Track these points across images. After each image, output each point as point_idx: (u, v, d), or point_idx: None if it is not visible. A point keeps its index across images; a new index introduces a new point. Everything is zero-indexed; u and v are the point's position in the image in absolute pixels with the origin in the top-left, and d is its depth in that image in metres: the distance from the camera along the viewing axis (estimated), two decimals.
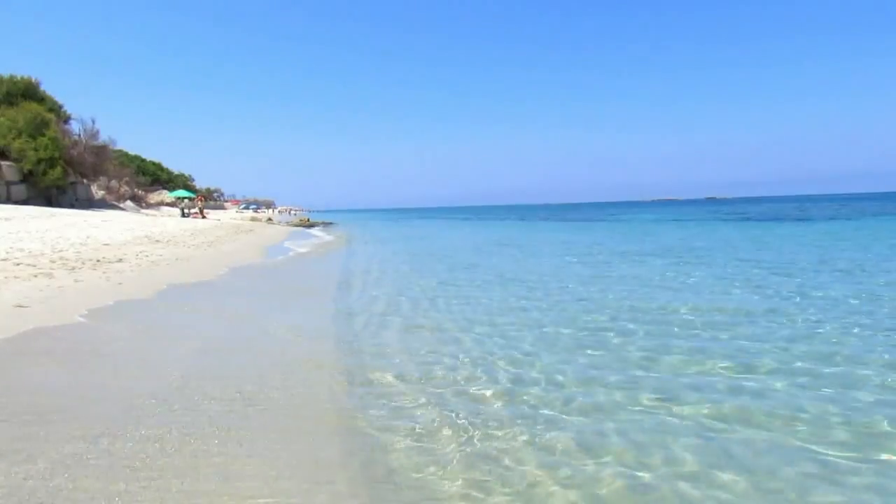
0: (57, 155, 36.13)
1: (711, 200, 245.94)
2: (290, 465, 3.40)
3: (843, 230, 26.83)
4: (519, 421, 4.24)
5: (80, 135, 43.28)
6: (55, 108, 41.53)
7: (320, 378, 5.24)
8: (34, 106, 37.56)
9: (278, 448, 3.62)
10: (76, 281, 9.54)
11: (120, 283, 9.85)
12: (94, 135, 44.10)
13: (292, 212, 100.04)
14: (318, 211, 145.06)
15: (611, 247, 20.94)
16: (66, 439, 3.48)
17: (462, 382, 5.16)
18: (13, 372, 4.78)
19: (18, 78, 40.55)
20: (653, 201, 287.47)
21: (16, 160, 34.53)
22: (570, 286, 11.02)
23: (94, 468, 3.15)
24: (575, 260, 16.33)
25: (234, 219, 52.06)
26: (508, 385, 5.05)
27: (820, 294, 9.35)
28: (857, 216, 41.36)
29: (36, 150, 34.84)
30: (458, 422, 4.21)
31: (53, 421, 3.76)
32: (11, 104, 37.63)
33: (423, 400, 4.69)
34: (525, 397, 4.76)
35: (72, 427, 3.67)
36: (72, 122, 43.93)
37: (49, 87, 46.25)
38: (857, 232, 25.10)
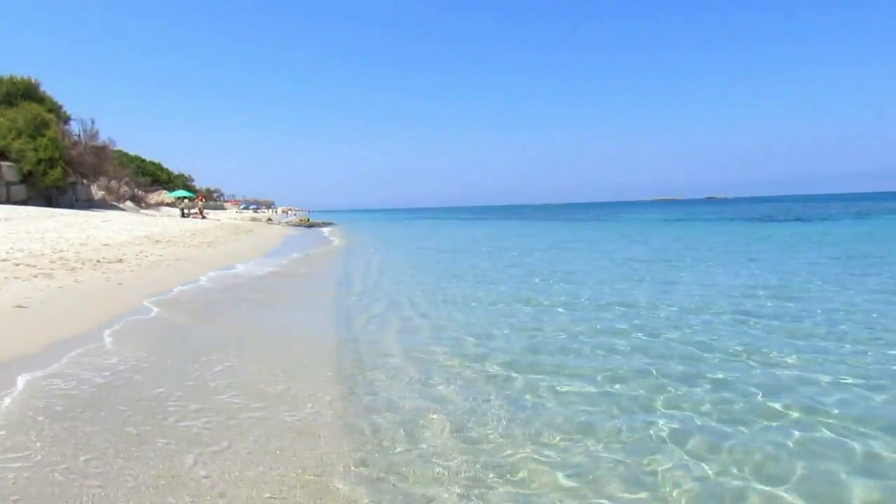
0: (57, 155, 36.15)
1: (711, 200, 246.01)
2: None
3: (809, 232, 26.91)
4: None
5: (79, 135, 43.30)
6: (55, 109, 41.53)
7: None
8: (34, 106, 37.58)
9: None
10: (76, 281, 9.57)
11: (120, 284, 9.89)
12: (94, 135, 44.12)
13: (291, 212, 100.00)
14: (318, 211, 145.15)
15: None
16: None
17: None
18: None
19: (18, 78, 40.55)
20: (653, 201, 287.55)
21: (16, 160, 34.55)
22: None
23: None
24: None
25: (234, 219, 52.05)
26: None
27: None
28: (824, 217, 41.45)
29: (36, 150, 34.86)
30: None
31: None
32: (11, 105, 37.65)
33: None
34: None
35: None
36: (71, 122, 43.99)
37: (49, 88, 46.36)
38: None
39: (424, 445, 3.84)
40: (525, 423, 4.24)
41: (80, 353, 5.78)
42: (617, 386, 5.06)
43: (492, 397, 4.79)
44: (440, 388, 5.05)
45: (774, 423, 4.21)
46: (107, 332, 6.71)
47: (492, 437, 3.99)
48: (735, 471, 3.49)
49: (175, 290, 10.12)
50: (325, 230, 41.80)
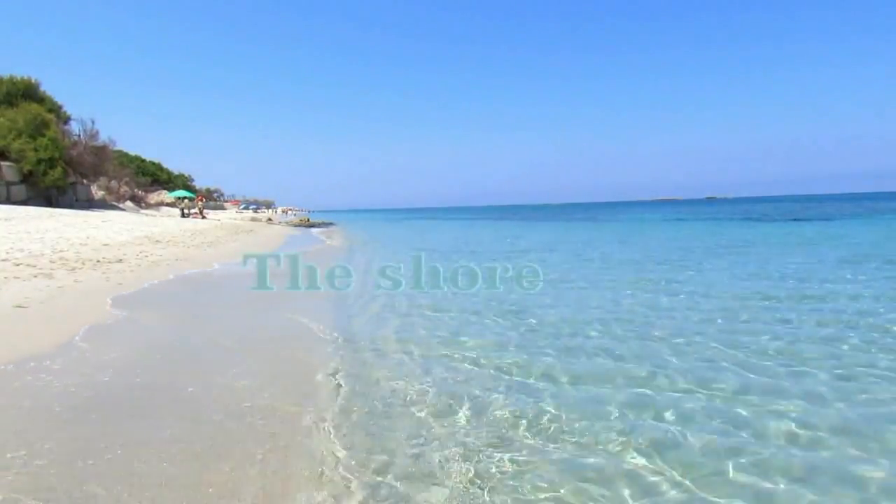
0: (57, 155, 36.15)
1: (711, 200, 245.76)
2: None
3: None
4: None
5: (79, 135, 43.26)
6: (55, 109, 41.51)
7: None
8: (34, 106, 37.55)
9: None
10: (76, 281, 9.60)
11: (120, 283, 9.91)
12: (94, 135, 44.08)
13: (291, 212, 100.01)
14: (318, 211, 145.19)
15: None
16: None
17: None
18: None
19: (18, 78, 40.51)
20: (653, 201, 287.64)
21: (16, 161, 34.56)
22: None
23: None
24: None
25: (234, 219, 52.05)
26: None
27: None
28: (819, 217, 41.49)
29: (36, 150, 34.86)
30: None
31: None
32: (11, 105, 37.64)
33: None
34: None
35: None
36: (72, 122, 43.95)
37: (49, 88, 46.37)
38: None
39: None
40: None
41: (81, 352, 5.80)
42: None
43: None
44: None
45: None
46: (107, 331, 6.73)
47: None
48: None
49: (191, 272, 10.15)
50: (327, 230, 41.83)
